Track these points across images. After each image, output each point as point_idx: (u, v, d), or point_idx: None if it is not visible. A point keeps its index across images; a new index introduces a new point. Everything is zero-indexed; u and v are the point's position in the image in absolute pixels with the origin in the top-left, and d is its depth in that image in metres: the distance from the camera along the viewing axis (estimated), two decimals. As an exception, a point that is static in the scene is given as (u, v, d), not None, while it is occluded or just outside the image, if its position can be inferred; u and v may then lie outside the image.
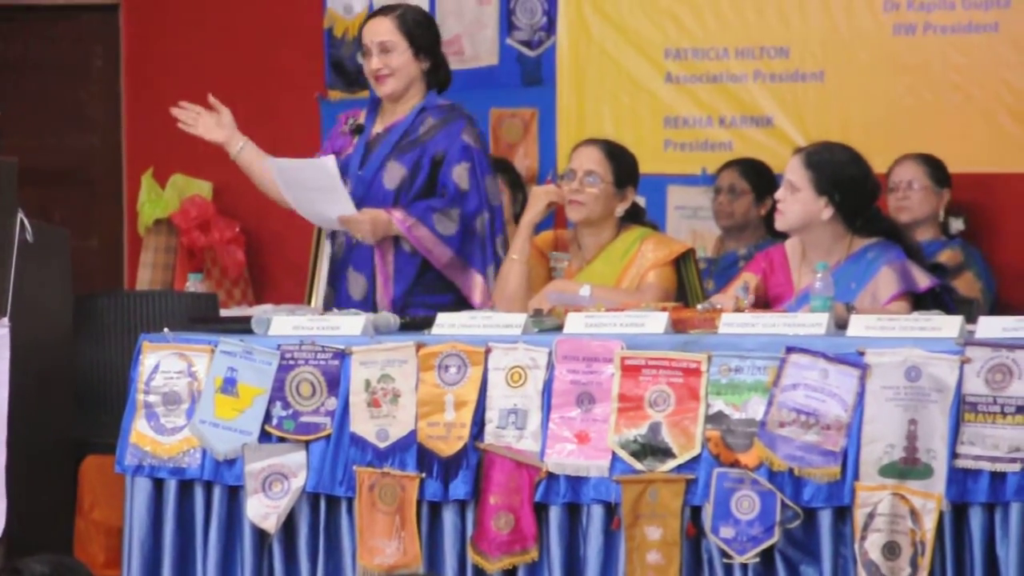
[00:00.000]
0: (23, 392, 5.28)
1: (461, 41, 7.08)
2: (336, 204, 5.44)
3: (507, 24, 7.04)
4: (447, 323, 4.93)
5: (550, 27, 7.00)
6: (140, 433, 4.98)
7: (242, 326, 5.09)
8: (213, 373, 4.95)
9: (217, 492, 4.89)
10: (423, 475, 4.71)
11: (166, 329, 5.11)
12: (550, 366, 4.67)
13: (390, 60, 5.49)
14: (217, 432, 4.91)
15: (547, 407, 4.66)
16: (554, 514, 4.60)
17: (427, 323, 5.02)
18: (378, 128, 5.59)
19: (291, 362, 4.89)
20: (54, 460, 5.56)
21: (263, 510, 4.81)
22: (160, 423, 4.98)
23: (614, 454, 4.56)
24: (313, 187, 5.46)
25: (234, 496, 4.88)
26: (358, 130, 5.60)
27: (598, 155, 5.50)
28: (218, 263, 7.14)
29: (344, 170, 5.51)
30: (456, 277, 5.50)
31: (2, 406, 5.20)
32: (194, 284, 6.34)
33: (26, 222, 5.37)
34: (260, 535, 4.85)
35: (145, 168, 7.22)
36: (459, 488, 4.67)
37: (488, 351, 4.73)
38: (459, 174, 5.47)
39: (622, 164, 5.51)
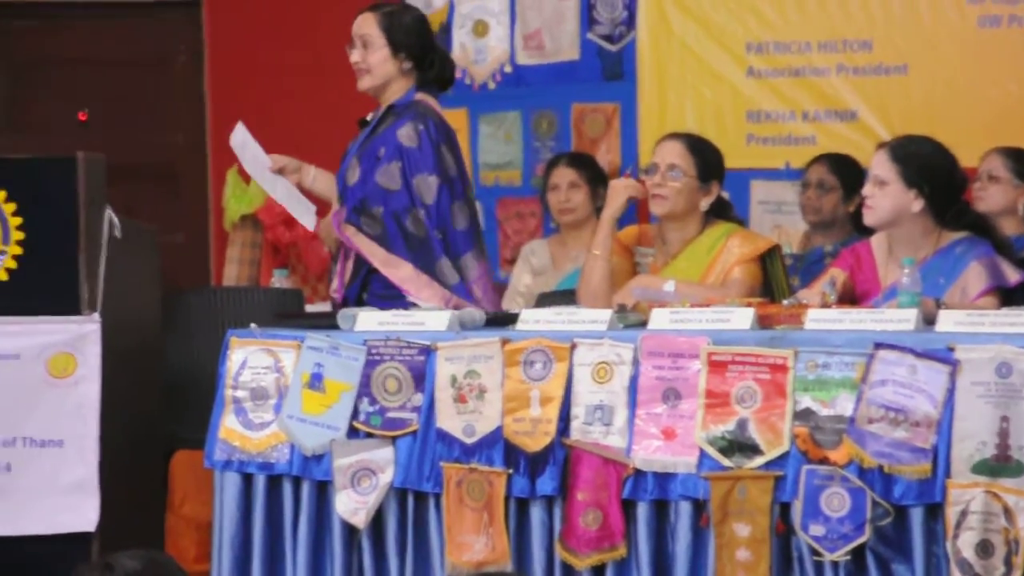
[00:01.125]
0: (114, 388, 5.33)
1: (541, 36, 7.08)
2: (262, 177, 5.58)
3: (587, 18, 7.03)
4: (532, 319, 4.93)
5: (630, 21, 6.98)
6: (229, 428, 5.01)
7: (328, 322, 5.12)
8: (300, 368, 4.98)
9: (306, 487, 4.91)
10: (510, 471, 4.71)
11: (253, 325, 5.14)
12: (635, 362, 4.67)
13: (367, 56, 5.51)
14: (304, 428, 4.94)
15: (633, 403, 4.65)
16: (642, 510, 4.59)
17: (512, 319, 5.03)
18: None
19: (377, 357, 4.91)
20: (145, 456, 5.61)
21: (352, 505, 4.84)
22: (248, 418, 5.01)
23: (701, 450, 4.54)
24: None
25: (323, 491, 4.91)
26: (363, 126, 5.62)
27: (681, 149, 5.48)
28: (302, 259, 7.17)
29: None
30: (391, 274, 5.42)
31: (93, 402, 5.25)
32: (279, 280, 6.38)
33: (115, 219, 5.43)
34: (349, 530, 4.87)
35: (229, 164, 7.25)
36: (546, 484, 4.67)
37: (573, 347, 4.73)
38: (387, 173, 5.42)
39: (706, 158, 5.49)
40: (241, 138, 5.63)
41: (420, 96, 5.53)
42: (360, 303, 5.43)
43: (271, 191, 5.66)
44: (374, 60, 5.51)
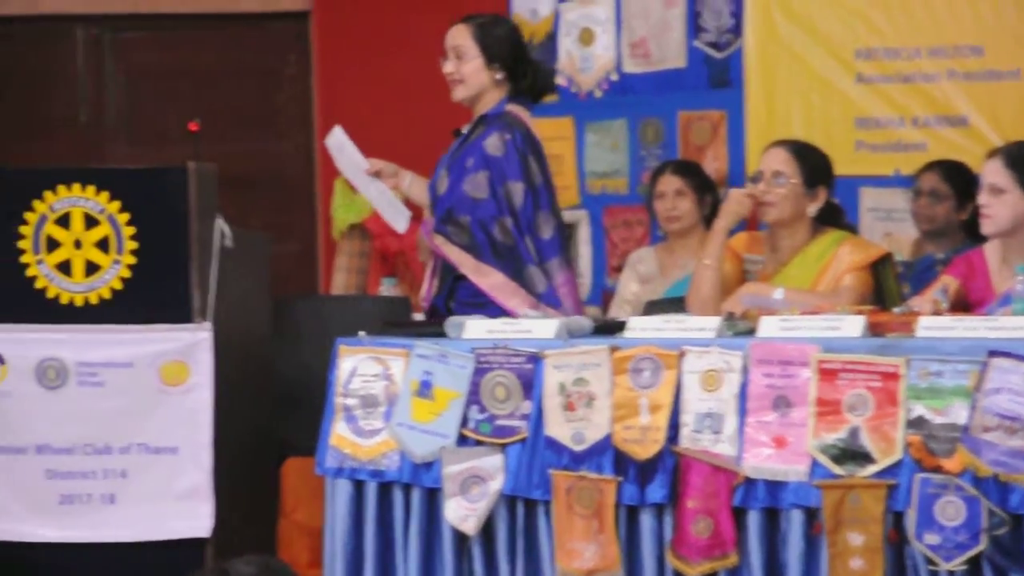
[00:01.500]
0: (225, 395, 5.38)
1: (647, 44, 7.07)
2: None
3: (694, 26, 7.00)
4: (640, 327, 4.93)
5: (737, 28, 6.95)
6: (339, 435, 5.04)
7: (436, 329, 5.13)
8: (409, 376, 5.00)
9: (416, 494, 4.93)
10: (620, 479, 4.71)
11: (362, 333, 5.17)
12: (745, 370, 4.65)
13: (461, 66, 5.54)
14: (414, 435, 4.96)
15: (742, 411, 4.63)
16: (753, 519, 4.57)
17: (620, 327, 5.03)
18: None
19: (486, 365, 4.92)
20: (257, 463, 5.66)
21: (462, 513, 4.85)
22: (359, 425, 5.04)
23: (812, 459, 4.52)
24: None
25: (433, 498, 4.92)
26: (457, 136, 5.66)
27: (785, 155, 5.47)
28: (410, 267, 7.20)
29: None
30: (481, 282, 5.44)
31: (207, 409, 5.31)
32: (387, 288, 6.41)
33: (226, 228, 5.47)
34: (459, 537, 4.89)
35: (338, 174, 7.29)
36: (656, 492, 4.66)
37: (682, 354, 4.72)
38: (475, 183, 5.45)
39: (811, 163, 5.47)
40: (338, 140, 5.68)
41: (511, 107, 5.56)
42: (448, 311, 5.46)
43: (365, 193, 5.71)
44: (467, 71, 5.54)
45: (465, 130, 5.62)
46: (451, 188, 5.49)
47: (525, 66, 5.59)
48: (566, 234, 5.68)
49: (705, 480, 4.61)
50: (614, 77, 7.10)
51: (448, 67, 5.58)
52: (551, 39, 7.23)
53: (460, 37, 5.56)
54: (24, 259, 5.41)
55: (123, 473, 5.32)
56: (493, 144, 5.47)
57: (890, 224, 6.80)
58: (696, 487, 4.61)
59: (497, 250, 5.44)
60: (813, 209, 5.46)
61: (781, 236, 5.49)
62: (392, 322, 5.56)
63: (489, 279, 5.43)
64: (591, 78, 7.14)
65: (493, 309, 5.35)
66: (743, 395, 4.63)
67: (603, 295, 6.97)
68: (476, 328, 5.04)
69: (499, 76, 5.55)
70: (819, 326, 4.72)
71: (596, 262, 7.05)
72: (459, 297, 5.50)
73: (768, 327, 4.77)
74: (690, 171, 6.67)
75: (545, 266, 5.49)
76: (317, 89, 7.53)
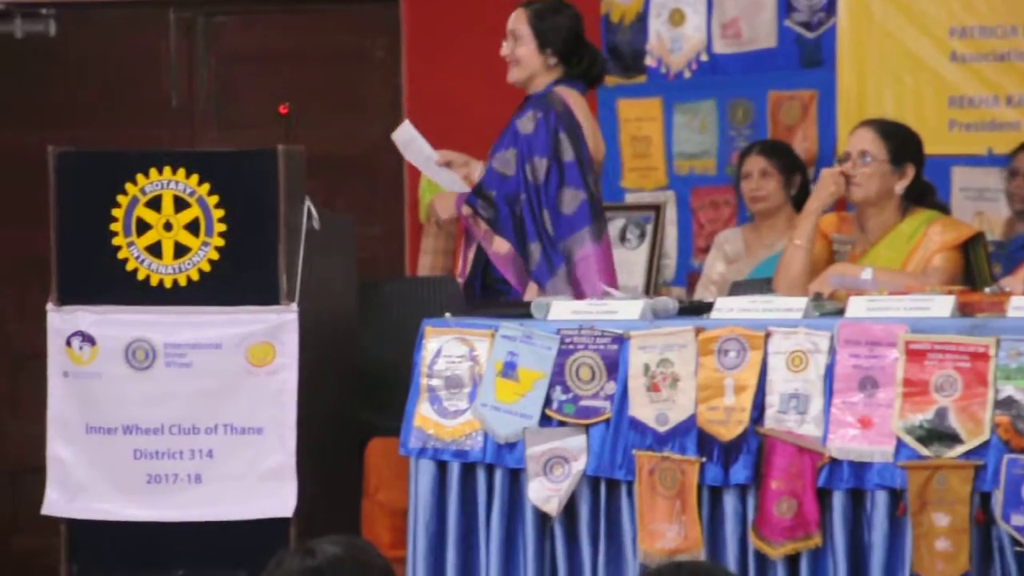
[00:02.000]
0: (311, 376, 5.40)
1: (739, 24, 7.02)
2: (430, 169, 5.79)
3: (785, 6, 6.95)
4: (726, 307, 4.90)
5: (830, 8, 6.89)
6: (423, 416, 5.05)
7: (521, 311, 5.13)
8: (494, 357, 5.00)
9: (499, 475, 4.93)
10: (703, 459, 4.68)
11: (448, 314, 5.17)
12: (832, 350, 4.61)
13: (516, 49, 5.77)
14: (498, 415, 4.96)
15: (829, 391, 4.59)
16: (837, 499, 4.53)
17: (706, 307, 5.00)
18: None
19: (571, 346, 4.91)
20: (341, 443, 5.68)
21: (545, 493, 4.84)
22: (443, 406, 5.04)
23: (899, 439, 4.47)
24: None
25: (516, 479, 4.92)
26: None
27: (871, 135, 5.43)
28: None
29: None
30: (490, 249, 5.65)
31: (292, 390, 5.33)
32: (474, 270, 6.38)
33: (313, 210, 5.50)
34: (542, 518, 4.88)
35: (425, 156, 7.32)
36: (739, 473, 4.64)
37: (768, 335, 4.69)
38: (504, 160, 5.67)
39: (897, 141, 5.43)
40: (407, 134, 5.79)
41: (557, 88, 5.74)
42: (484, 287, 5.65)
43: (438, 183, 5.79)
44: (521, 53, 5.76)
45: None
46: (488, 165, 5.70)
47: (580, 52, 5.77)
48: (599, 209, 5.77)
49: (789, 461, 4.58)
50: (704, 58, 7.06)
51: (505, 49, 5.79)
52: (641, 20, 7.20)
53: (518, 22, 5.78)
54: (115, 241, 5.46)
55: (209, 453, 5.36)
56: (524, 122, 5.67)
57: (982, 204, 6.72)
58: (780, 468, 4.58)
59: (515, 225, 5.61)
60: (900, 187, 5.41)
61: (869, 216, 5.45)
62: (478, 303, 5.56)
63: (495, 247, 5.63)
64: (681, 59, 7.11)
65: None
66: (829, 376, 4.60)
67: (688, 276, 6.94)
68: (561, 309, 5.04)
69: (552, 61, 5.74)
70: (907, 306, 4.67)
71: (682, 243, 7.02)
72: (494, 273, 5.68)
73: (856, 307, 4.74)
74: (777, 152, 6.63)
75: (562, 244, 5.63)
76: (406, 72, 7.54)
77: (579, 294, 5.57)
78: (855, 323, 4.63)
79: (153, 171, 5.45)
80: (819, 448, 4.56)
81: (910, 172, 5.42)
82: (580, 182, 5.67)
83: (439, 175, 5.79)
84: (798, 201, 6.54)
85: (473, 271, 5.72)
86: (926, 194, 5.49)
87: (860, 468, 4.51)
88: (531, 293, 5.62)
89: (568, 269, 5.65)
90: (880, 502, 4.48)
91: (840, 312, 4.79)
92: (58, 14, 7.74)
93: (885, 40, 6.84)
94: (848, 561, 4.50)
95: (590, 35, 7.22)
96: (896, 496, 4.46)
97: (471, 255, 5.72)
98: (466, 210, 5.66)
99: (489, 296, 5.70)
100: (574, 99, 5.75)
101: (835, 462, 4.54)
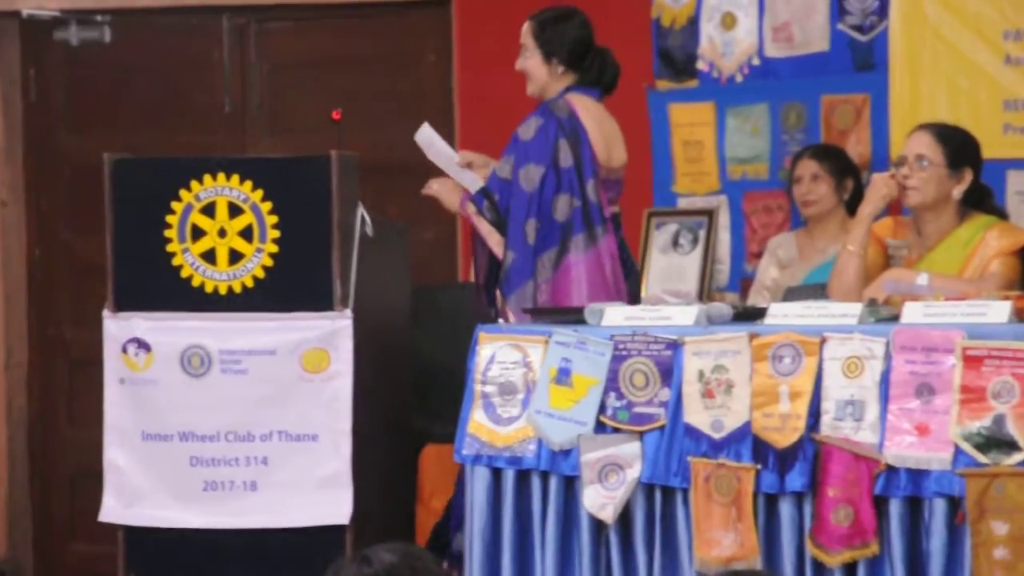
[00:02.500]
0: (365, 383, 5.41)
1: (791, 28, 6.99)
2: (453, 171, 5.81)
3: (838, 9, 6.91)
4: (781, 313, 4.88)
5: (882, 11, 6.85)
6: (478, 423, 5.05)
7: (575, 317, 5.13)
8: (548, 363, 4.99)
9: (554, 482, 4.93)
10: (759, 466, 4.67)
11: (501, 320, 5.16)
12: (887, 356, 4.59)
13: (525, 63, 5.83)
14: (552, 422, 4.95)
15: (885, 398, 4.58)
16: (895, 507, 4.51)
17: (760, 313, 4.98)
18: None
19: (624, 352, 4.91)
20: (395, 449, 5.68)
21: (600, 500, 4.84)
22: (497, 413, 5.04)
23: (956, 446, 4.45)
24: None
25: (570, 486, 4.92)
26: None
27: (928, 139, 5.40)
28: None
29: None
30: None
31: (346, 396, 5.34)
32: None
33: (366, 216, 5.51)
34: (597, 525, 4.88)
35: (479, 161, 7.32)
36: (795, 480, 4.62)
37: (823, 341, 4.67)
38: (503, 164, 5.69)
39: (955, 145, 5.39)
40: (427, 136, 5.80)
41: (569, 95, 5.76)
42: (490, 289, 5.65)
43: (461, 183, 5.79)
44: (530, 66, 5.81)
45: None
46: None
47: (588, 59, 5.78)
48: (594, 216, 5.73)
49: (846, 468, 4.56)
50: (756, 61, 7.03)
51: (518, 63, 5.85)
52: (693, 23, 7.17)
53: (525, 35, 5.85)
54: (170, 248, 5.48)
55: (264, 460, 5.37)
56: (525, 128, 5.70)
57: (1037, 208, 6.68)
58: (837, 475, 4.56)
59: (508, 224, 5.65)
60: (958, 192, 5.38)
61: (926, 220, 5.42)
62: (531, 309, 5.56)
63: (499, 249, 5.65)
64: (733, 63, 7.08)
65: None
66: (885, 382, 4.58)
67: (741, 281, 6.92)
68: (615, 315, 5.03)
69: (560, 70, 5.77)
70: (964, 312, 4.65)
71: (735, 248, 6.99)
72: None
73: (912, 313, 4.72)
74: (829, 155, 6.60)
75: (546, 254, 5.62)
76: (457, 76, 7.54)
77: (558, 301, 5.55)
78: (911, 329, 4.61)
79: (207, 178, 5.47)
80: (876, 455, 4.54)
81: (968, 177, 5.39)
82: (576, 189, 5.68)
83: (461, 176, 5.80)
84: (851, 206, 6.50)
85: (487, 276, 5.71)
86: (984, 198, 5.46)
87: (917, 475, 4.49)
88: (499, 301, 5.64)
89: (539, 283, 5.64)
90: (938, 510, 4.46)
91: (896, 318, 4.77)
92: (113, 21, 7.78)
93: (938, 43, 6.80)
94: (906, 569, 4.49)
95: (640, 39, 7.25)
96: (954, 504, 4.44)
97: (483, 260, 5.72)
98: (470, 208, 5.68)
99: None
100: (584, 105, 5.74)
101: (892, 469, 4.52)
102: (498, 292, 5.62)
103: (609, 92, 5.85)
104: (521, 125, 5.73)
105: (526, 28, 5.84)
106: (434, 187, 5.79)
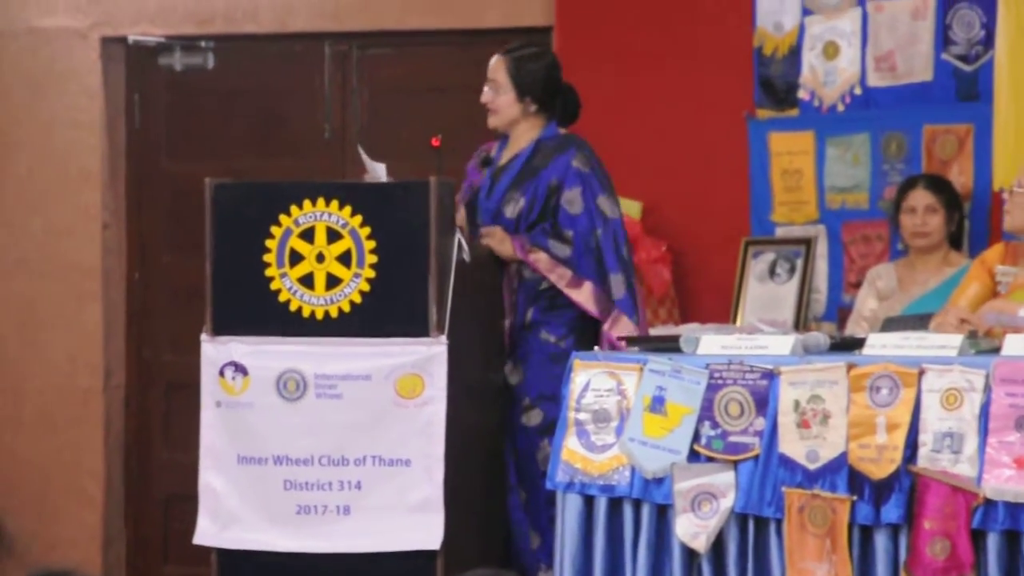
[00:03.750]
0: (459, 409, 5.40)
1: (894, 57, 6.94)
2: None
3: (943, 38, 6.85)
4: (879, 344, 4.84)
5: (988, 41, 6.78)
6: (571, 450, 5.04)
7: (670, 345, 5.10)
8: (642, 391, 4.98)
9: (646, 510, 4.91)
10: (854, 497, 4.62)
11: (596, 348, 5.14)
12: (987, 389, 4.54)
13: (495, 98, 5.91)
14: (646, 450, 4.93)
15: (984, 431, 4.52)
16: (992, 541, 4.46)
17: (858, 343, 4.94)
18: (504, 160, 5.91)
19: (720, 381, 4.88)
20: (487, 475, 5.67)
21: (692, 529, 4.81)
22: (591, 440, 5.03)
23: (1056, 480, 4.39)
24: None
25: (663, 514, 4.90)
26: (487, 162, 5.94)
27: None
28: (644, 282, 7.18)
29: (475, 201, 5.90)
30: (574, 294, 5.72)
31: (440, 422, 5.34)
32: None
33: (464, 242, 5.52)
34: (689, 554, 4.85)
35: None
36: (891, 512, 4.57)
37: (922, 372, 4.63)
38: (570, 199, 5.76)
39: None
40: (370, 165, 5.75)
41: (564, 131, 5.91)
42: (524, 328, 5.75)
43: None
44: (501, 103, 5.91)
45: (502, 155, 5.92)
46: (529, 207, 5.78)
47: (557, 96, 5.93)
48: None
49: (943, 501, 4.51)
50: (858, 91, 6.98)
51: (485, 96, 5.93)
52: (795, 53, 7.13)
53: (497, 71, 5.93)
54: (269, 272, 5.51)
55: (358, 485, 5.37)
56: (581, 162, 5.81)
57: None
58: (934, 508, 4.51)
59: (590, 260, 5.74)
60: None
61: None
62: (627, 337, 5.54)
63: (581, 292, 5.71)
64: (834, 92, 7.03)
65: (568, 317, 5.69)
66: (985, 415, 4.53)
67: (839, 311, 6.86)
68: (711, 344, 5.01)
69: (531, 108, 5.90)
70: (1066, 344, 4.59)
71: (833, 278, 6.94)
72: (532, 316, 5.76)
73: (1013, 345, 4.66)
74: (942, 188, 6.54)
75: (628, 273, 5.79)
76: (557, 104, 7.55)
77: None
78: (1012, 361, 4.55)
79: (307, 203, 5.49)
80: (974, 488, 4.48)
81: None
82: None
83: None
84: (955, 239, 6.46)
85: (517, 313, 5.79)
86: None
87: (1016, 509, 4.44)
88: (619, 326, 5.67)
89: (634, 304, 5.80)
90: (1036, 544, 4.40)
91: (996, 350, 4.72)
92: (216, 47, 7.86)
93: (1044, 74, 6.72)
94: (1003, 603, 4.43)
95: (741, 68, 7.23)
96: (1053, 538, 4.38)
97: (520, 297, 5.79)
98: (539, 255, 5.72)
99: (527, 337, 5.75)
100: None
101: (990, 503, 4.46)
102: (620, 314, 5.70)
103: (566, 126, 5.99)
104: (572, 159, 5.80)
105: (499, 64, 5.91)
106: (486, 239, 5.81)
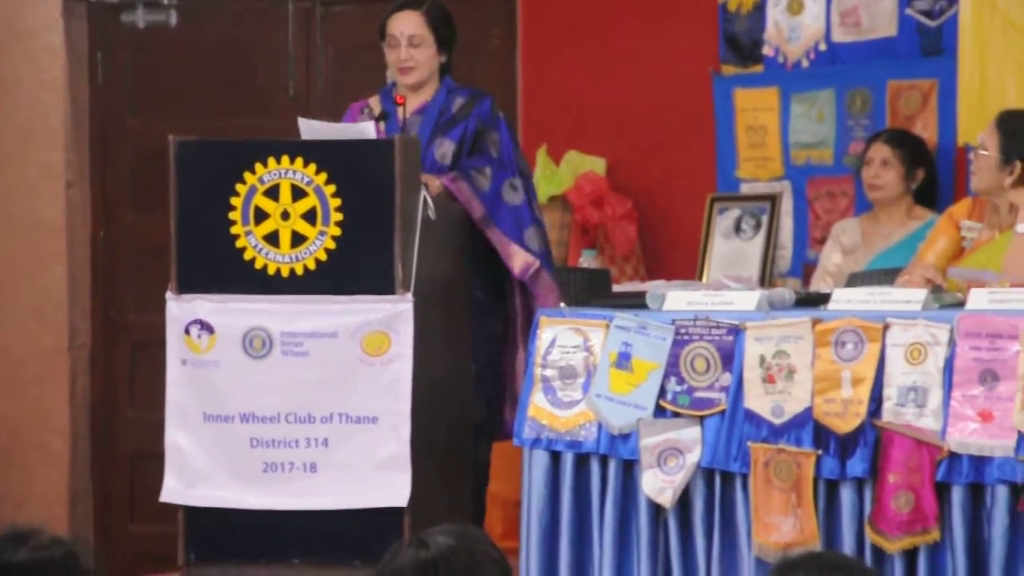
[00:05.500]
0: (425, 366, 5.39)
1: (858, 12, 6.94)
2: None
3: (907, -7, 6.87)
4: (844, 299, 4.86)
5: (952, -4, 6.80)
6: (537, 407, 5.05)
7: (637, 301, 5.11)
8: (608, 348, 4.98)
9: (612, 466, 4.92)
10: (819, 452, 4.65)
11: (562, 304, 5.15)
12: (951, 343, 4.56)
13: (417, 53, 5.86)
14: (612, 406, 4.94)
15: (948, 384, 4.55)
16: (956, 494, 4.49)
17: (822, 299, 4.95)
18: (411, 110, 5.85)
19: (685, 337, 4.89)
20: (453, 433, 5.67)
21: (659, 485, 4.83)
22: (557, 396, 5.04)
23: (1020, 433, 4.42)
24: None
25: (629, 470, 4.91)
26: (383, 116, 5.87)
27: (990, 127, 5.46)
28: (610, 239, 7.18)
29: None
30: (493, 239, 5.70)
31: (406, 379, 5.33)
32: (587, 260, 6.39)
33: (429, 199, 5.50)
34: (655, 509, 4.87)
35: (540, 145, 7.31)
36: (856, 466, 4.60)
37: (886, 327, 4.65)
38: (495, 140, 5.78)
39: (1010, 135, 5.39)
40: (309, 127, 5.74)
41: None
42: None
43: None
44: (423, 57, 5.87)
45: (411, 108, 5.84)
46: (461, 150, 5.79)
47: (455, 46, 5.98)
48: None
49: (907, 454, 4.53)
50: (822, 47, 6.98)
51: (403, 55, 5.86)
52: (759, 9, 7.13)
53: (415, 26, 5.87)
54: (234, 230, 5.49)
55: (325, 442, 5.37)
56: (500, 109, 5.87)
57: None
58: (898, 461, 4.54)
59: (503, 210, 5.72)
60: (1008, 181, 5.36)
61: (990, 206, 5.40)
62: (593, 293, 5.54)
63: (497, 238, 5.69)
64: (799, 48, 7.04)
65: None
66: (949, 368, 4.55)
67: (804, 267, 6.89)
68: (677, 300, 5.02)
69: (443, 60, 5.92)
70: (1029, 298, 4.61)
71: (798, 234, 6.96)
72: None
73: (977, 299, 4.68)
74: (903, 143, 6.55)
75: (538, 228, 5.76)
76: (521, 62, 7.53)
77: None
78: (975, 315, 4.57)
79: (271, 160, 5.47)
80: (938, 442, 4.51)
81: (1019, 168, 5.37)
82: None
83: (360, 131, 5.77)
84: (922, 194, 6.48)
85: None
86: None
87: (980, 462, 4.46)
88: (540, 282, 5.66)
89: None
90: (1000, 497, 4.43)
91: (960, 304, 4.74)
92: (179, 5, 7.81)
93: (1008, 29, 6.73)
94: (967, 556, 4.45)
95: (706, 24, 7.22)
96: (1016, 491, 4.41)
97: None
98: (462, 184, 5.70)
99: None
100: None
101: (954, 456, 4.49)
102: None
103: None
104: (491, 104, 5.83)
105: (417, 19, 5.85)
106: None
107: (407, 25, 5.87)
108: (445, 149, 5.80)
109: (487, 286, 5.79)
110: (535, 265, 5.64)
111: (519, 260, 5.65)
